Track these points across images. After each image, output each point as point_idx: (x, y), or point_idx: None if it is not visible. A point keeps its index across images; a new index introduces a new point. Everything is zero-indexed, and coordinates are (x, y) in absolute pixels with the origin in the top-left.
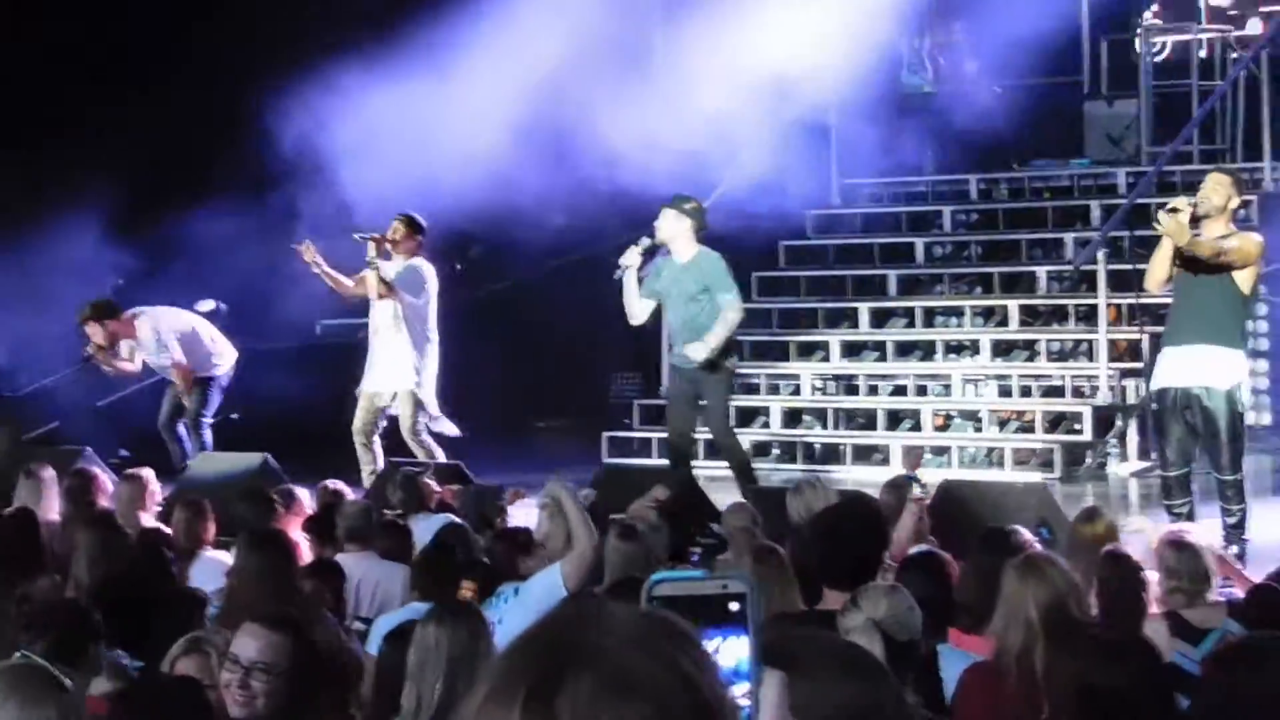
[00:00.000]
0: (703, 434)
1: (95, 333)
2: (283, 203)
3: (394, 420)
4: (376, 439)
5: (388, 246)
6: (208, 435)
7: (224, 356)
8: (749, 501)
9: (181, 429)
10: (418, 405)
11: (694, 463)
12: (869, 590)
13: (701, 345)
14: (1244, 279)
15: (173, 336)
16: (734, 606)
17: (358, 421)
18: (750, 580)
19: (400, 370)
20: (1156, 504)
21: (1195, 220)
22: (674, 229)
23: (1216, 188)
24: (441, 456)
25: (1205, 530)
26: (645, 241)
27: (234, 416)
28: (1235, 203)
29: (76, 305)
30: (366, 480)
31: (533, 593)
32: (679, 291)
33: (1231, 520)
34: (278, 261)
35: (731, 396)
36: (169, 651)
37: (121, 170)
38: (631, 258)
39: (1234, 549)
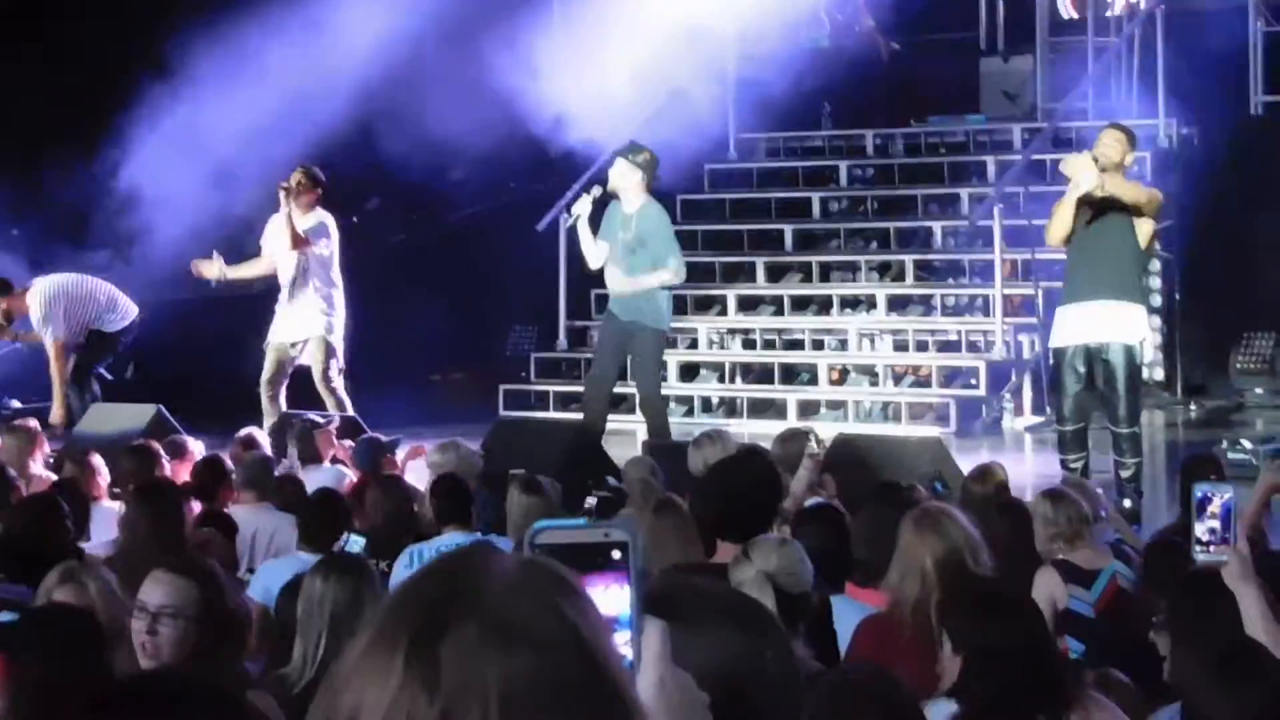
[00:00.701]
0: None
1: None
2: (174, 155)
3: (301, 371)
4: (282, 392)
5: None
6: (96, 387)
7: (123, 315)
8: (648, 454)
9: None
10: (329, 352)
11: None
12: (760, 543)
13: (629, 281)
14: (1143, 234)
15: (60, 311)
16: (616, 555)
17: (266, 374)
18: (632, 529)
19: (310, 318)
20: (1052, 457)
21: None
22: (626, 179)
23: (1114, 144)
24: (350, 407)
25: (1098, 485)
26: (596, 190)
27: (128, 376)
28: (1130, 159)
29: None
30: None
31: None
32: (620, 241)
33: (1126, 473)
34: (172, 214)
35: (663, 355)
36: (44, 582)
37: (6, 121)
38: (583, 206)
39: (1127, 501)
